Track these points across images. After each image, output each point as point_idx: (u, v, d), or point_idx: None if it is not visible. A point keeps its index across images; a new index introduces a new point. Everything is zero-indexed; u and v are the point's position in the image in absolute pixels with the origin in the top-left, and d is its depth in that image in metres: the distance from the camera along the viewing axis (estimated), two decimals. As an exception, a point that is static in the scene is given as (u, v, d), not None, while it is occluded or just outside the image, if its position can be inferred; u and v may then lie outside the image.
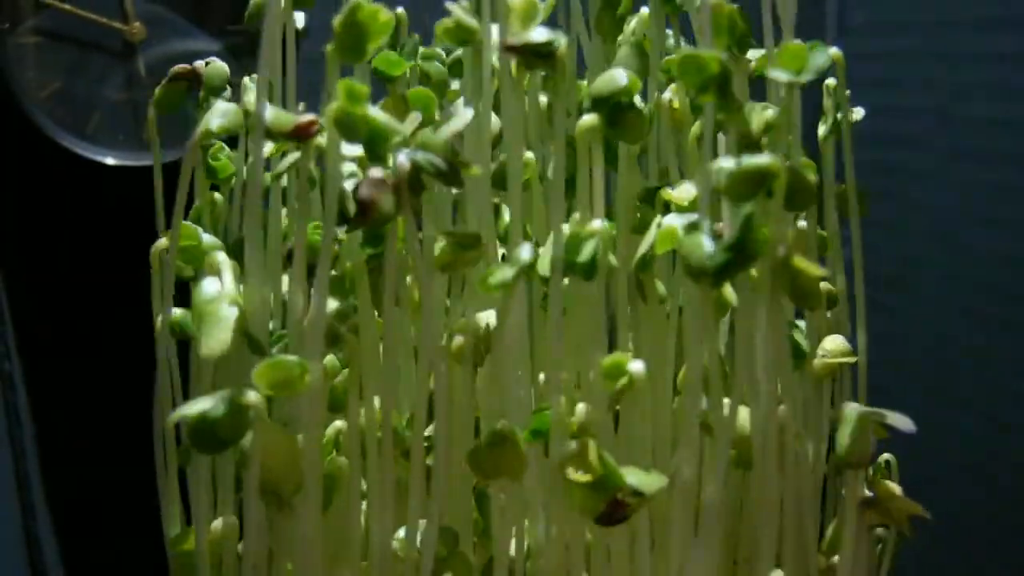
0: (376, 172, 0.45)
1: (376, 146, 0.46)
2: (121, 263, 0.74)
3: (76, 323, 0.98)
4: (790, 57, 0.53)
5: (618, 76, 0.52)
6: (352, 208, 0.46)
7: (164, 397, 0.61)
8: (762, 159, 0.47)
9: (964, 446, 0.97)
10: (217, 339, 0.47)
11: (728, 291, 0.54)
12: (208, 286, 0.49)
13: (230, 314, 0.48)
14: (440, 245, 0.53)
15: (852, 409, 0.56)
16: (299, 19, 0.62)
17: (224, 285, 0.48)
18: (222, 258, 0.49)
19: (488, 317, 0.57)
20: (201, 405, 0.47)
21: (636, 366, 0.50)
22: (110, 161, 0.94)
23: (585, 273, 0.50)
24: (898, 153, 1.05)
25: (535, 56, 0.49)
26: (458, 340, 0.56)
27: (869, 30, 1.08)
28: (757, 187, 0.47)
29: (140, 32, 0.94)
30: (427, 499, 0.57)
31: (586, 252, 0.49)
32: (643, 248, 0.55)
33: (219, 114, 0.57)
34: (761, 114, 0.53)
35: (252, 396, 0.47)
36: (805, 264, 0.43)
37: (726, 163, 0.46)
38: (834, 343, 0.63)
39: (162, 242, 0.61)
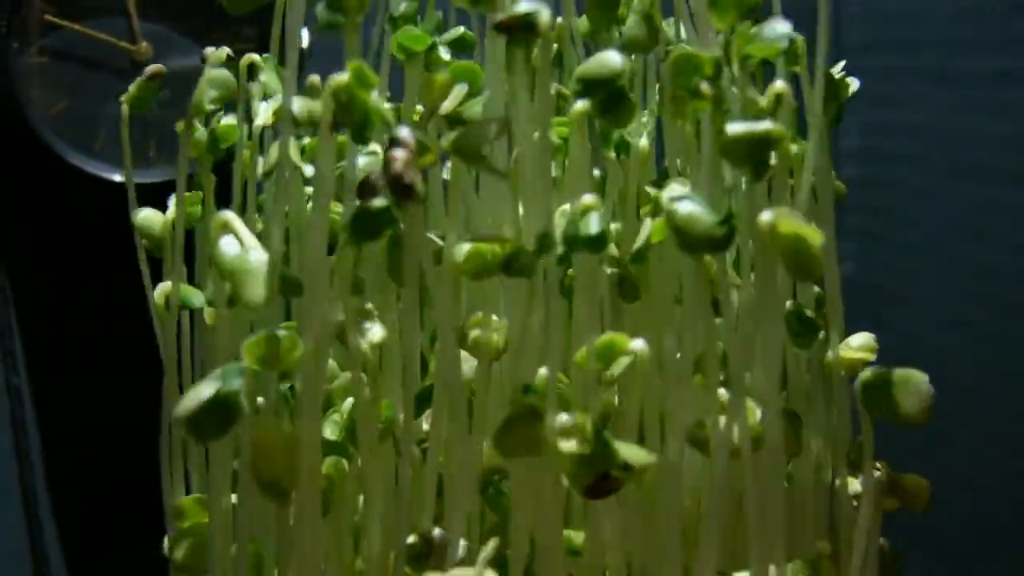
0: (400, 152, 0.44)
1: (365, 129, 0.46)
2: (128, 279, 0.74)
3: (84, 337, 0.99)
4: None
5: (611, 59, 0.51)
6: (375, 189, 0.45)
7: (171, 376, 0.61)
8: (765, 124, 0.47)
9: (958, 458, 0.97)
10: (256, 288, 0.46)
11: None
12: (228, 244, 0.47)
13: (261, 260, 0.47)
14: (465, 249, 0.52)
15: (897, 371, 0.58)
16: (304, 38, 0.62)
17: (245, 240, 0.47)
18: (231, 216, 0.48)
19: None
20: (198, 393, 0.46)
21: (638, 344, 0.49)
22: (117, 178, 0.94)
23: (593, 246, 0.48)
24: (895, 169, 1.06)
25: (524, 31, 0.48)
26: (474, 334, 0.56)
27: (866, 48, 1.09)
28: (757, 152, 0.47)
29: (147, 51, 0.96)
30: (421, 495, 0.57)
31: (593, 224, 0.47)
32: (640, 240, 0.55)
33: (213, 84, 0.57)
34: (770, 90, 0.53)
35: (239, 380, 0.47)
36: (799, 227, 0.43)
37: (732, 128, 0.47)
38: (860, 338, 0.63)
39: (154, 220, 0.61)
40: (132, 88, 0.64)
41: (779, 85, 0.53)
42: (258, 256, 0.47)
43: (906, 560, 0.69)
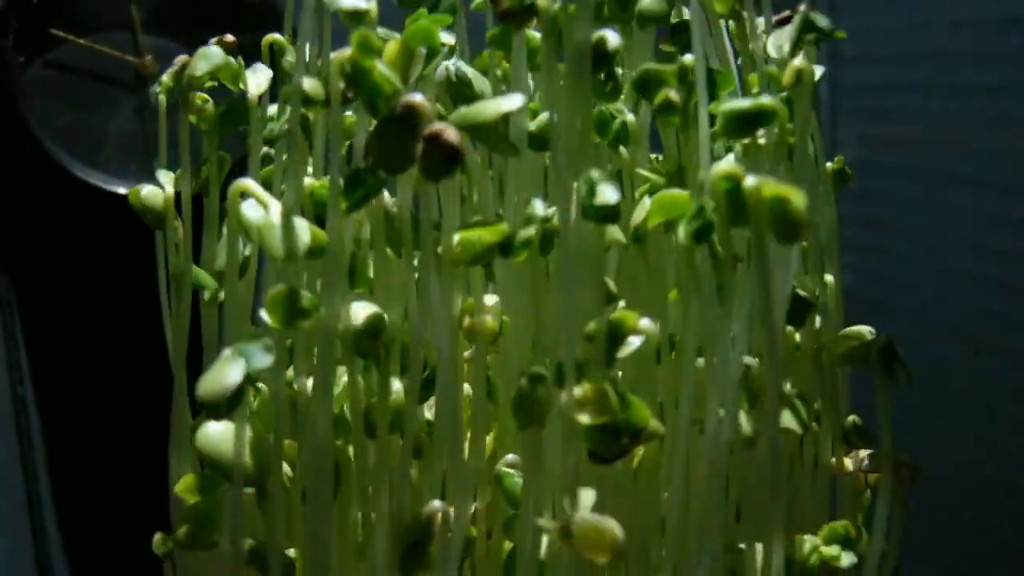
0: (440, 123, 0.44)
1: (376, 99, 0.46)
2: (133, 290, 0.75)
3: (89, 348, 1.00)
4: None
5: (610, 37, 0.51)
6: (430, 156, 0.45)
7: (178, 356, 0.61)
8: (762, 100, 0.48)
9: (955, 466, 0.97)
10: (300, 240, 0.47)
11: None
12: (250, 207, 0.47)
13: (295, 220, 0.47)
14: (466, 236, 0.51)
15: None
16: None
17: (267, 201, 0.47)
18: (249, 181, 0.47)
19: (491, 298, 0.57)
20: (223, 372, 0.46)
21: (646, 323, 0.49)
22: (121, 190, 0.95)
23: (609, 216, 0.47)
24: (889, 181, 1.07)
25: (528, 15, 0.48)
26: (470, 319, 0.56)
27: (860, 62, 1.10)
28: (753, 125, 0.49)
29: (151, 65, 0.97)
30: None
31: (609, 193, 0.46)
32: (638, 218, 0.55)
33: (203, 57, 0.58)
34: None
35: (265, 357, 0.47)
36: (782, 189, 0.43)
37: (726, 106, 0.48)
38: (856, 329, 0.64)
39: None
40: (165, 78, 0.64)
41: (799, 61, 0.55)
42: (292, 215, 0.47)
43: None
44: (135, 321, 0.79)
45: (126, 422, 0.95)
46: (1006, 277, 0.95)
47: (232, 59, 0.60)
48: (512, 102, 0.47)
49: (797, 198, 0.41)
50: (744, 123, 0.48)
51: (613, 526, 0.46)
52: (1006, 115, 0.94)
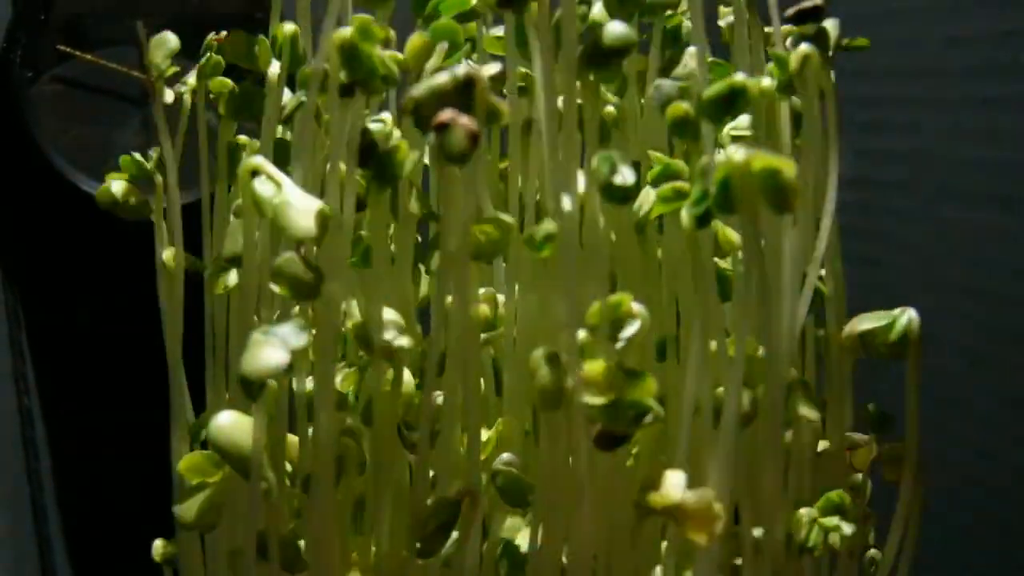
0: (451, 110, 0.43)
1: (371, 81, 0.46)
2: (139, 303, 0.75)
3: (93, 360, 1.00)
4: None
5: (619, 29, 0.51)
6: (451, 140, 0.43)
7: (174, 341, 0.61)
8: (734, 78, 0.49)
9: (951, 477, 0.98)
10: (303, 220, 0.46)
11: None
12: (262, 184, 0.47)
13: (309, 198, 0.47)
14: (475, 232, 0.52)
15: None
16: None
17: (284, 181, 0.47)
18: (261, 159, 0.48)
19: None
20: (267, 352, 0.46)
21: (638, 307, 0.49)
22: (127, 204, 0.96)
23: (624, 197, 0.48)
24: (884, 194, 1.07)
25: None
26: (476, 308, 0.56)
27: (856, 76, 1.11)
28: (730, 106, 0.49)
29: (157, 80, 0.98)
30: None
31: (627, 174, 0.47)
32: (645, 206, 0.56)
33: (158, 44, 0.59)
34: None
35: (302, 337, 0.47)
36: (772, 160, 0.43)
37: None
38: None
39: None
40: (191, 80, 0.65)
41: (805, 47, 0.56)
42: (298, 192, 0.47)
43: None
44: (141, 333, 0.79)
45: (132, 434, 0.95)
46: (1002, 290, 0.95)
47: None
48: (488, 70, 0.47)
49: (788, 168, 0.42)
50: (722, 105, 0.49)
51: (718, 504, 0.46)
52: (1002, 128, 0.95)
